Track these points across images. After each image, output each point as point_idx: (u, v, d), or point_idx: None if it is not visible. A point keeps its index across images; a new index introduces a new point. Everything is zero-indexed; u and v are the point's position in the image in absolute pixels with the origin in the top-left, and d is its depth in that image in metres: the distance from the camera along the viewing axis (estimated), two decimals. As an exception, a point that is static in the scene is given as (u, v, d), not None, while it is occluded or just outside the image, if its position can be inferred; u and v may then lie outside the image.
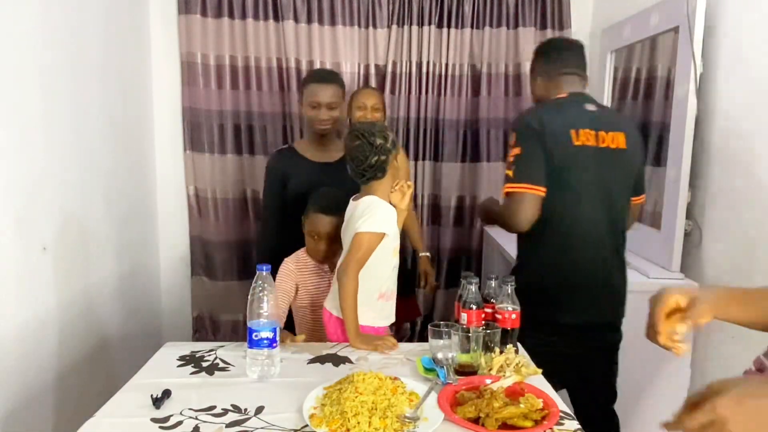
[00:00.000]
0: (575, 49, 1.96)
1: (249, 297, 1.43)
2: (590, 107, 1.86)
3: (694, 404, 0.81)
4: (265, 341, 1.41)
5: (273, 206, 2.20)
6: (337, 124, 2.18)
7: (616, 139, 1.82)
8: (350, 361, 1.55)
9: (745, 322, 1.09)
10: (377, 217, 1.66)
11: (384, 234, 1.68)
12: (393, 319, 1.81)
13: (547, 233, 1.82)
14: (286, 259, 1.89)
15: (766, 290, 1.09)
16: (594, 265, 1.85)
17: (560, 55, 1.93)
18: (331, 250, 1.85)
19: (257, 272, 1.44)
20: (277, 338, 1.45)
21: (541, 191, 1.77)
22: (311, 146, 2.21)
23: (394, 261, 1.77)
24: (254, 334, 1.41)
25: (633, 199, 1.95)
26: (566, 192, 1.80)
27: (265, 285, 1.43)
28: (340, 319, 1.72)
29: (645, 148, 1.96)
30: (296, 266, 1.89)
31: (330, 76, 2.16)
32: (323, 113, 2.09)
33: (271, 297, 1.44)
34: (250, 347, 1.43)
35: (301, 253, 1.92)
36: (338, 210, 1.82)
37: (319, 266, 1.90)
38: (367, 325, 1.71)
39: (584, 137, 1.79)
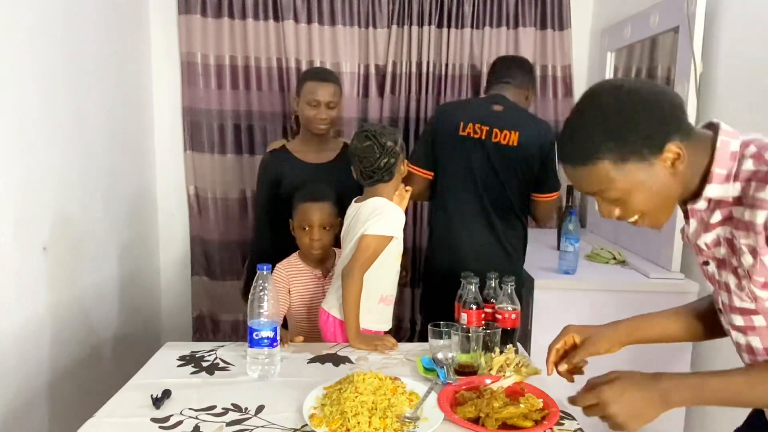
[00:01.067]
0: (510, 62, 2.31)
1: (249, 296, 1.43)
2: (497, 107, 2.11)
3: (591, 387, 1.01)
4: (266, 340, 1.42)
5: (265, 208, 2.18)
6: (334, 124, 2.16)
7: (510, 137, 2.07)
8: (350, 361, 1.55)
9: (653, 341, 1.25)
10: (385, 220, 1.65)
11: (392, 237, 1.67)
12: (390, 324, 1.80)
13: (438, 209, 2.19)
14: (277, 265, 1.85)
15: (656, 315, 1.25)
16: (470, 242, 2.11)
17: (496, 68, 2.28)
18: (325, 241, 1.83)
19: (257, 272, 1.44)
20: (278, 337, 1.45)
21: (423, 173, 2.17)
22: (305, 146, 2.17)
23: (398, 265, 1.76)
24: (255, 333, 1.42)
25: (535, 195, 2.14)
26: (450, 175, 2.14)
27: (266, 284, 1.43)
28: (339, 320, 1.72)
29: (550, 150, 2.09)
30: (287, 272, 1.86)
31: (330, 75, 2.15)
32: (322, 112, 2.07)
33: (272, 296, 1.44)
34: (251, 347, 1.43)
35: (293, 258, 1.90)
36: (325, 197, 1.82)
37: (311, 271, 1.88)
38: (366, 328, 1.70)
39: (471, 129, 2.09)
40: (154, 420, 1.22)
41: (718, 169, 0.96)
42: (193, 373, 1.46)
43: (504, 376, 1.38)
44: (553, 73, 3.15)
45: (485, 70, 3.12)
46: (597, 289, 2.24)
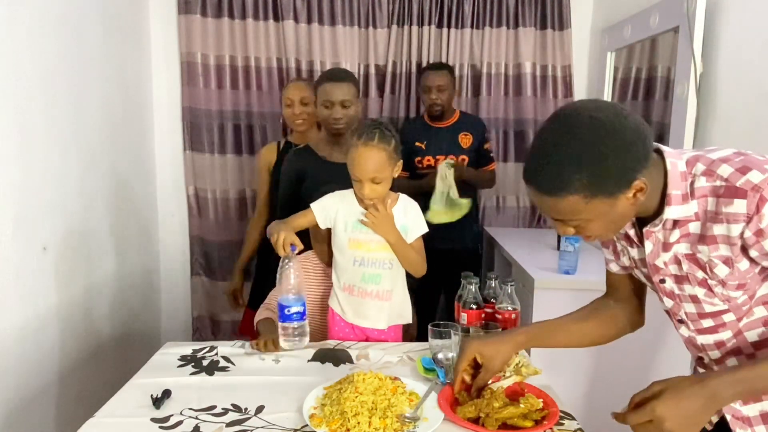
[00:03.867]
0: None
1: (277, 275, 1.51)
2: None
3: (638, 403, 0.97)
4: (296, 315, 1.52)
5: (288, 206, 2.17)
6: (353, 122, 2.15)
7: None
8: (350, 361, 1.55)
9: (555, 347, 1.37)
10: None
11: (310, 209, 1.70)
12: (374, 323, 1.71)
13: None
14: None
15: (557, 323, 1.34)
16: None
17: None
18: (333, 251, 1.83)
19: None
20: (306, 311, 1.55)
21: None
22: (328, 146, 2.17)
23: (352, 254, 1.68)
24: (285, 309, 1.52)
25: None
26: None
27: (290, 263, 1.51)
28: (340, 317, 1.73)
29: None
30: (303, 264, 1.86)
31: (342, 74, 2.14)
32: (337, 111, 2.07)
33: (297, 274, 1.53)
34: (282, 322, 1.54)
35: (311, 254, 1.91)
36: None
37: (324, 270, 1.87)
38: (337, 312, 1.74)
39: None
40: (154, 420, 1.22)
41: (675, 191, 1.00)
42: (193, 373, 1.46)
43: (504, 376, 1.37)
44: (553, 73, 3.15)
45: (485, 70, 3.13)
46: (597, 289, 2.22)
